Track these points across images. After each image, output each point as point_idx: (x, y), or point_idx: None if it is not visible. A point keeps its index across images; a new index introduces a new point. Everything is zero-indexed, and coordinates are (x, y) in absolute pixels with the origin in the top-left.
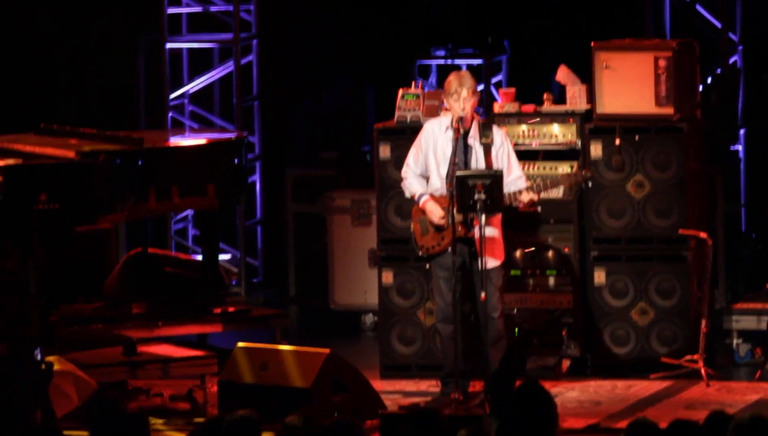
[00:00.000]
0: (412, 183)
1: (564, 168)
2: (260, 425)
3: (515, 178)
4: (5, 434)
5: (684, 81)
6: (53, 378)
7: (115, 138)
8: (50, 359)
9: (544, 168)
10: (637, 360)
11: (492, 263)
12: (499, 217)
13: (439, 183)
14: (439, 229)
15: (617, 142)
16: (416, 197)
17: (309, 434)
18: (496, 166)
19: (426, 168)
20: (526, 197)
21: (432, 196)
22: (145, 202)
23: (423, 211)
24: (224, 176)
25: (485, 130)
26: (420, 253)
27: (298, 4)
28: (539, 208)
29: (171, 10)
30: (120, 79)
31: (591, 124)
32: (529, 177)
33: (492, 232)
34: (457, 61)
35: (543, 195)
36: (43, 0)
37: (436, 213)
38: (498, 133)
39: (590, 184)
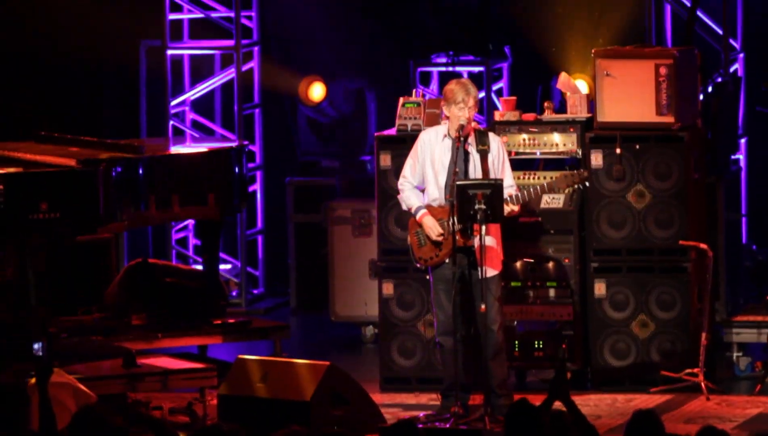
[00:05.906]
0: (409, 196)
1: None
2: None
3: (505, 187)
4: None
5: (685, 89)
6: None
7: (115, 146)
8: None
9: (545, 178)
10: (637, 373)
11: (490, 272)
12: (497, 226)
13: (437, 193)
14: (437, 243)
15: (618, 151)
16: (413, 210)
17: None
18: (492, 173)
19: (423, 179)
20: (505, 209)
21: (430, 207)
22: (146, 210)
23: (420, 225)
24: (225, 185)
25: (482, 138)
26: (418, 265)
27: (299, 10)
28: (540, 218)
29: (172, 16)
30: (121, 86)
31: (591, 132)
32: (529, 186)
33: (490, 241)
34: (458, 69)
35: (543, 205)
36: (44, 6)
37: (434, 230)
38: (495, 141)
39: (587, 185)
